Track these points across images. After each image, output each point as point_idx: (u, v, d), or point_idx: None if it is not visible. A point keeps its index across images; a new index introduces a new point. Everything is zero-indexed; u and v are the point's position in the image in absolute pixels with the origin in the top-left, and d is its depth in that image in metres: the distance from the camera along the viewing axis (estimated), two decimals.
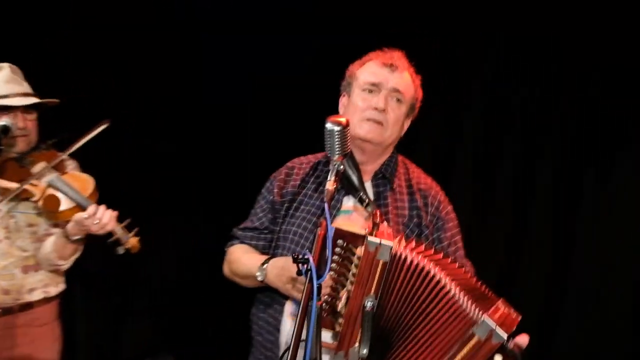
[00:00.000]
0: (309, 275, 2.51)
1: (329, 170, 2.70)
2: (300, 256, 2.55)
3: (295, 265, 2.57)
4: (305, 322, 2.51)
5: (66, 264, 3.64)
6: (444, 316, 2.74)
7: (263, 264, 3.02)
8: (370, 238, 2.72)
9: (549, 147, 4.68)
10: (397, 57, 3.13)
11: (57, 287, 3.72)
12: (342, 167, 2.66)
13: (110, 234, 3.48)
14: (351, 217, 3.03)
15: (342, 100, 3.18)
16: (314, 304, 2.49)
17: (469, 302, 2.73)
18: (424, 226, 3.10)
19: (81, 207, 3.48)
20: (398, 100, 3.08)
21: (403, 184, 3.16)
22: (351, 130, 2.76)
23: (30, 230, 3.64)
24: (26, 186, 3.49)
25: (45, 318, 3.68)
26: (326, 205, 2.59)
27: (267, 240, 3.19)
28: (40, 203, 3.50)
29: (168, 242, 4.89)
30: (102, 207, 3.45)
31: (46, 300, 3.67)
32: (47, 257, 3.61)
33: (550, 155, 4.68)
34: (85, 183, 3.58)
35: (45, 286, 3.67)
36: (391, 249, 2.72)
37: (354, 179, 2.98)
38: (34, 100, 3.60)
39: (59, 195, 3.49)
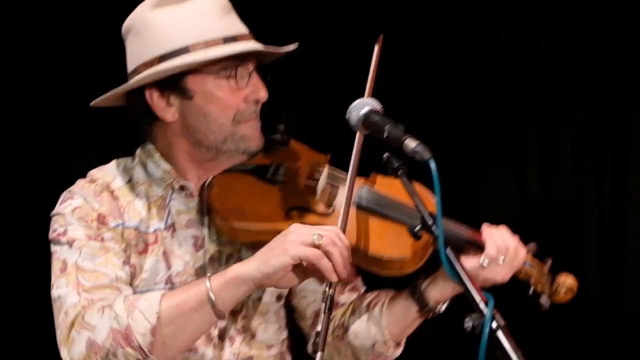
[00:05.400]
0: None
1: None
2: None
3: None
4: None
5: (398, 351, 2.22)
6: None
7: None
8: None
9: None
10: None
11: None
12: None
13: (515, 278, 2.13)
14: None
15: None
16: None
17: None
18: None
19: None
20: None
21: None
22: None
23: (276, 306, 2.22)
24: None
25: None
26: None
27: None
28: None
29: None
30: (502, 230, 2.10)
31: None
32: (375, 339, 2.17)
33: None
34: (424, 195, 1.99)
35: None
36: None
37: None
38: (260, 46, 2.08)
39: (382, 225, 2.06)
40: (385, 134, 1.95)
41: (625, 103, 3.89)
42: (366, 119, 2.00)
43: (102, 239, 2.04)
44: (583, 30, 3.86)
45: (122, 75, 3.92)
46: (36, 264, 3.75)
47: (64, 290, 2.01)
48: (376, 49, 2.18)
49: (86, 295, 1.98)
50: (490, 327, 1.72)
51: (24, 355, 3.79)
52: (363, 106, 2.02)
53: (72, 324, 1.96)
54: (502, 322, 1.73)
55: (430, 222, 1.86)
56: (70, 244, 2.04)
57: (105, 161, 3.78)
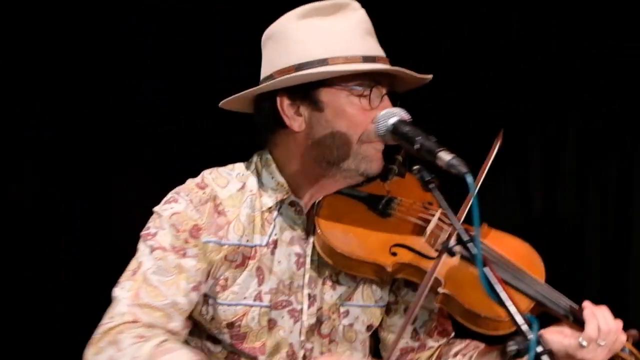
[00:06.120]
0: None
1: None
2: None
3: None
4: None
5: None
6: None
7: None
8: None
9: None
10: None
11: None
12: None
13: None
14: None
15: None
16: None
17: None
18: None
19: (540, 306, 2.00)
20: None
21: None
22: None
23: (365, 335, 2.18)
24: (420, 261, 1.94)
25: None
26: None
27: None
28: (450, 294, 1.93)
29: None
30: (605, 311, 2.03)
31: None
32: None
33: None
34: (525, 254, 2.08)
35: None
36: None
37: None
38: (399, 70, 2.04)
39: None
40: (417, 146, 1.85)
41: (635, 103, 3.85)
42: (395, 129, 1.92)
43: (184, 255, 1.98)
44: (593, 30, 3.82)
45: (123, 74, 3.99)
46: (36, 264, 3.76)
47: (122, 295, 1.95)
48: (496, 143, 2.11)
49: (136, 310, 1.92)
50: (536, 350, 1.64)
51: (24, 355, 3.76)
52: (391, 116, 1.94)
53: (108, 332, 1.90)
54: (547, 347, 1.65)
55: (466, 238, 1.75)
56: (152, 249, 1.98)
57: (105, 161, 3.82)
